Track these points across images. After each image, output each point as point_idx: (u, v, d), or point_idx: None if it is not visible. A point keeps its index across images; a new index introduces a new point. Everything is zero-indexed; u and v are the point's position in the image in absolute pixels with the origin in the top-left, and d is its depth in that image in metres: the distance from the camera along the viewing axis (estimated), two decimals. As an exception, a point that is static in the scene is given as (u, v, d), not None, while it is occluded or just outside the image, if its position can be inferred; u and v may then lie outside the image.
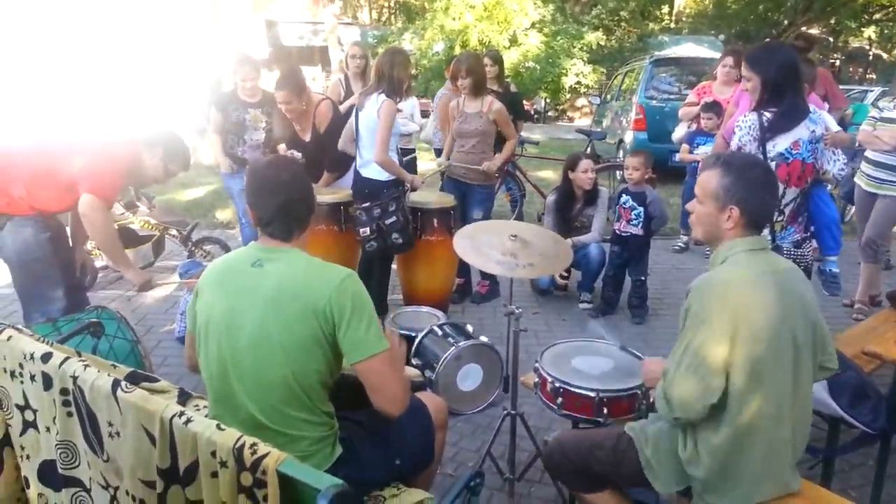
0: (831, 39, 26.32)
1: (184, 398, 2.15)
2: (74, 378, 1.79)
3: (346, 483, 1.38)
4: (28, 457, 2.07)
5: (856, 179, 4.94)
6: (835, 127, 3.38)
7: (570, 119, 25.67)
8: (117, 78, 11.08)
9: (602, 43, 20.18)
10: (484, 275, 5.19)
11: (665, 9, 27.85)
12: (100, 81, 10.92)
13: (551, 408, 2.54)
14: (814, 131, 3.15)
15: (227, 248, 5.31)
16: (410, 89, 5.26)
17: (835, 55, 27.51)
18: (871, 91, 10.67)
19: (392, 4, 30.74)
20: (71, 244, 3.48)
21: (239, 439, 1.51)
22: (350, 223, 4.47)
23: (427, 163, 8.77)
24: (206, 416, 1.86)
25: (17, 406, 2.02)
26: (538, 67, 18.53)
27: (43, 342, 1.98)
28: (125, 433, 1.71)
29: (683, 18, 29.26)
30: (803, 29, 20.44)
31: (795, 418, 1.93)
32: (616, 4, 21.83)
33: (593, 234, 4.95)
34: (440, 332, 3.64)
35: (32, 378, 1.91)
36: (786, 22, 24.43)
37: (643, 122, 10.01)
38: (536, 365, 2.69)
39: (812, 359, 1.95)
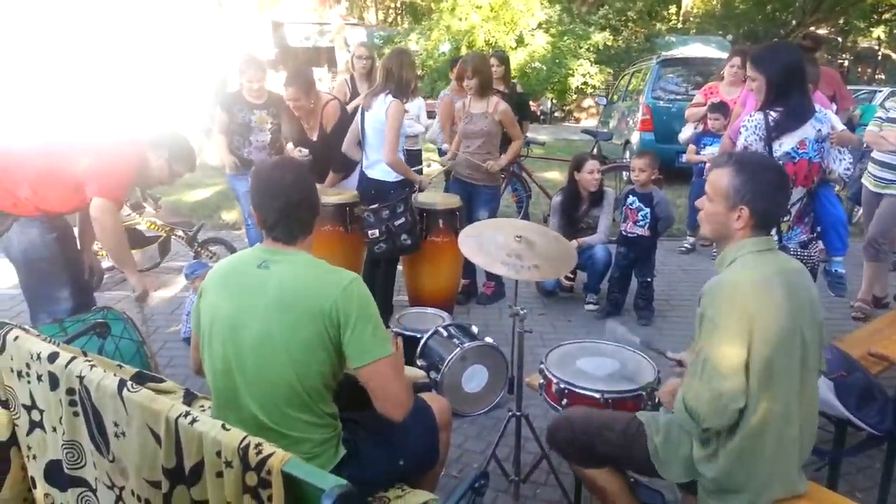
0: (840, 39, 26.21)
1: (189, 398, 2.16)
2: (81, 378, 1.79)
3: (351, 484, 1.38)
4: (34, 457, 2.08)
5: (863, 180, 4.93)
6: (840, 126, 3.38)
7: (577, 120, 25.60)
8: (123, 78, 11.12)
9: (609, 43, 20.13)
10: (489, 276, 5.20)
11: (672, 9, 27.79)
12: (106, 82, 10.96)
13: (556, 409, 2.54)
14: (820, 130, 3.14)
15: (232, 249, 5.32)
16: (417, 90, 5.27)
17: (843, 55, 27.39)
18: (880, 91, 10.61)
19: (398, 5, 30.77)
20: (79, 245, 3.49)
21: (244, 439, 1.51)
22: (355, 224, 4.48)
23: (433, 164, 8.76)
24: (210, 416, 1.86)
25: (24, 406, 2.03)
26: (544, 68, 18.53)
27: (49, 342, 1.99)
28: (131, 433, 1.71)
29: (691, 19, 29.16)
30: (812, 29, 20.37)
31: (803, 417, 1.93)
32: (623, 4, 21.80)
33: (599, 236, 4.95)
34: (445, 333, 3.64)
35: (39, 378, 1.92)
36: (794, 22, 24.31)
37: (650, 123, 9.98)
38: (542, 366, 2.69)
39: (817, 358, 1.95)
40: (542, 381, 2.69)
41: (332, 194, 4.61)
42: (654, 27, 24.66)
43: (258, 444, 1.50)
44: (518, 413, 2.80)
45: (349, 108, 5.18)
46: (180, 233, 5.28)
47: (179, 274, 4.18)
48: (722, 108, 5.73)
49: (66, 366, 1.83)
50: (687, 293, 5.40)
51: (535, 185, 7.73)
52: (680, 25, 27.85)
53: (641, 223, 4.72)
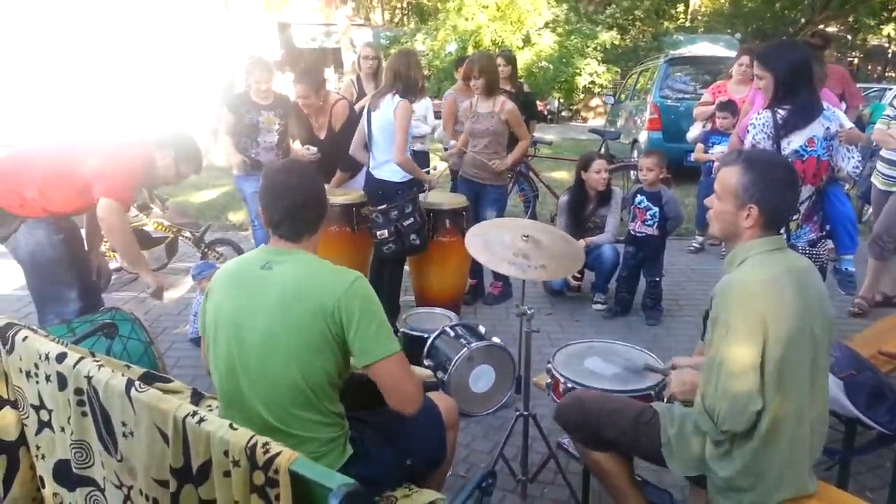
0: (849, 37, 26.07)
1: (197, 398, 2.16)
2: (89, 378, 1.80)
3: (358, 483, 1.38)
4: (43, 456, 2.09)
5: (872, 179, 4.91)
6: (848, 124, 3.36)
7: (584, 119, 25.58)
8: (130, 80, 11.16)
9: (616, 42, 20.11)
10: (496, 276, 5.19)
11: (680, 7, 27.73)
12: (113, 83, 11.01)
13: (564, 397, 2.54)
14: (828, 128, 3.13)
15: (239, 250, 5.34)
16: (425, 90, 5.28)
17: (853, 53, 27.24)
18: (890, 89, 10.54)
19: (404, 5, 30.80)
20: (86, 247, 3.50)
21: (251, 438, 1.51)
22: (362, 224, 4.48)
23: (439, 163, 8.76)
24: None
25: (33, 406, 2.04)
26: (551, 67, 18.51)
27: (58, 343, 2.00)
28: (139, 433, 1.72)
29: (699, 17, 29.06)
30: (821, 27, 20.26)
31: (814, 416, 1.92)
32: (630, 3, 21.76)
33: (607, 235, 4.93)
34: (452, 333, 3.63)
35: (48, 378, 1.93)
36: (803, 20, 24.19)
37: (658, 122, 9.95)
38: (549, 366, 2.69)
39: (827, 355, 1.94)
40: (549, 380, 2.68)
41: (339, 195, 4.62)
42: (661, 26, 24.59)
43: (265, 444, 1.50)
44: (525, 413, 2.79)
45: (356, 107, 5.20)
46: (187, 234, 5.30)
47: (186, 275, 4.19)
48: (730, 107, 5.70)
49: (75, 366, 1.84)
50: (695, 293, 5.37)
51: (542, 184, 7.72)
52: (688, 24, 27.77)
53: (650, 222, 4.71)
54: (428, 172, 5.18)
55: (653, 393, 2.49)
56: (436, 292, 4.70)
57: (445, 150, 6.17)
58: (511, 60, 6.10)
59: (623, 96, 12.90)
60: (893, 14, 24.52)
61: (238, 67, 9.09)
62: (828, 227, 3.38)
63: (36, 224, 3.13)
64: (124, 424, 1.75)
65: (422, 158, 6.14)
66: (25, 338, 2.00)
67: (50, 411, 2.00)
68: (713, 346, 1.88)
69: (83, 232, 3.53)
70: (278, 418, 1.83)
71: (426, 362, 3.55)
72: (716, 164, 4.02)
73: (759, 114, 3.21)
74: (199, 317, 2.04)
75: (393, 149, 4.23)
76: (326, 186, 4.11)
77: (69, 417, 1.91)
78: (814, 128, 3.11)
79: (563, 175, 10.06)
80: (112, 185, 3.11)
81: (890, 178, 4.64)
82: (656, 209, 4.67)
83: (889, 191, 4.67)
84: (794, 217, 3.21)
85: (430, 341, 3.63)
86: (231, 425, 1.57)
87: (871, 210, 5.64)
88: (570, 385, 2.54)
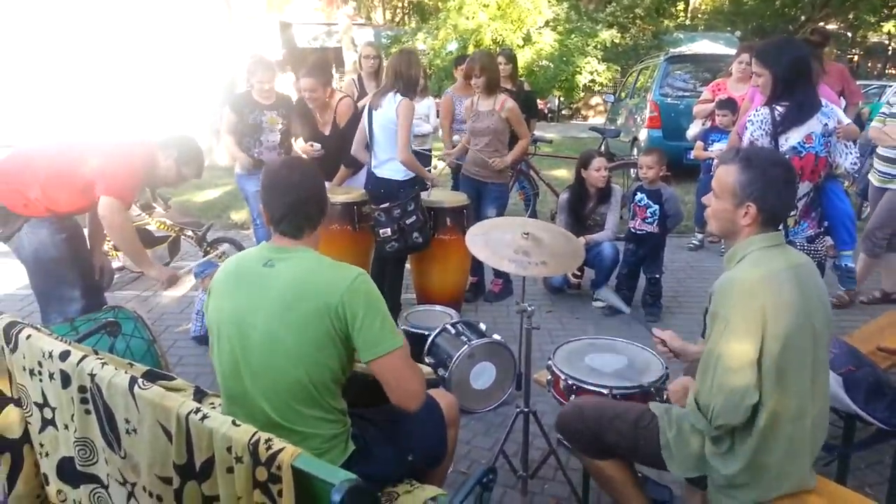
0: (849, 34, 26.03)
1: (199, 395, 2.18)
2: (92, 376, 1.81)
3: (360, 479, 1.40)
4: (47, 454, 2.10)
5: (869, 176, 4.92)
6: (846, 120, 3.37)
7: (584, 117, 25.56)
8: (132, 79, 11.17)
9: (616, 41, 20.06)
10: (497, 273, 5.21)
11: (680, 5, 27.69)
12: (115, 83, 11.02)
13: (564, 405, 2.55)
14: (826, 125, 3.14)
15: (241, 249, 5.34)
16: (427, 89, 5.28)
17: (853, 50, 27.21)
18: (890, 86, 10.54)
19: (405, 5, 30.78)
20: (89, 246, 3.52)
21: (254, 435, 1.53)
22: (363, 223, 4.49)
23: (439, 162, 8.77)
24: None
25: (37, 404, 2.06)
26: (552, 66, 18.49)
27: (61, 341, 2.01)
28: (142, 430, 1.73)
29: (699, 15, 29.06)
30: (821, 24, 20.23)
31: (814, 412, 1.92)
32: (631, 1, 21.69)
33: (607, 233, 4.94)
34: (453, 331, 3.65)
35: (51, 376, 1.94)
36: (803, 17, 24.15)
37: (658, 120, 9.96)
38: (549, 363, 2.70)
39: (827, 351, 1.95)
40: (549, 377, 2.70)
41: (340, 193, 4.63)
42: (661, 24, 24.53)
43: (268, 440, 1.51)
44: (526, 409, 2.80)
45: (359, 105, 5.21)
46: (190, 233, 5.32)
47: (189, 273, 4.21)
48: (730, 105, 5.71)
49: (78, 364, 1.85)
50: (695, 290, 5.38)
51: (542, 182, 7.73)
52: (688, 22, 27.76)
53: (650, 220, 4.72)
54: (429, 171, 5.19)
55: (653, 390, 2.50)
56: (437, 290, 4.72)
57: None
58: (512, 59, 6.12)
59: (623, 94, 12.90)
60: (894, 11, 24.46)
61: (240, 67, 9.11)
62: (826, 224, 3.39)
63: (39, 223, 3.14)
64: (128, 422, 1.76)
65: (424, 158, 6.16)
66: (29, 336, 2.01)
67: (53, 409, 2.01)
68: (711, 341, 1.89)
69: (86, 231, 3.55)
70: (281, 415, 1.84)
71: (427, 360, 3.56)
72: (715, 161, 4.03)
73: (757, 110, 3.22)
74: (206, 315, 2.05)
75: (397, 147, 4.24)
76: (327, 185, 4.13)
77: (73, 415, 1.92)
78: (811, 124, 3.12)
79: (564, 173, 10.07)
80: (112, 183, 3.12)
81: (885, 174, 4.67)
82: (656, 207, 4.68)
83: (884, 187, 4.69)
84: (793, 213, 3.22)
85: (430, 339, 3.65)
86: (234, 422, 1.58)
87: (869, 207, 5.66)
88: (570, 382, 2.55)
